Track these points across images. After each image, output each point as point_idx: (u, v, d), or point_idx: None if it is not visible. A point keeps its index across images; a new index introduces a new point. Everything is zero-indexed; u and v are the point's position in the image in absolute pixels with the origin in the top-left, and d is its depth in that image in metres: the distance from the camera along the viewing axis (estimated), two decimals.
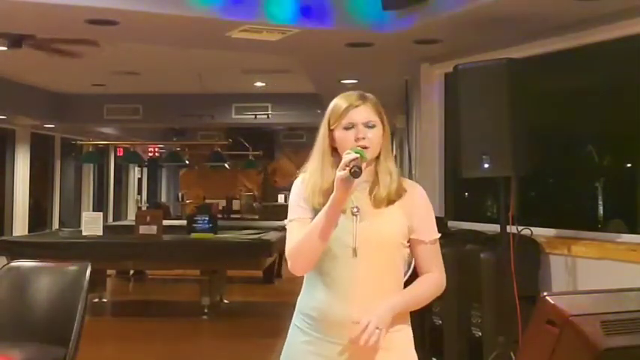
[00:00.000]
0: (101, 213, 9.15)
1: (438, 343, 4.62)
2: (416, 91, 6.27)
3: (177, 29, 5.03)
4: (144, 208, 16.08)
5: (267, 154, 16.51)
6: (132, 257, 7.90)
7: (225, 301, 8.65)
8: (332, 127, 2.21)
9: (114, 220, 14.27)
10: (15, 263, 4.48)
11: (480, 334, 4.37)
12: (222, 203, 16.38)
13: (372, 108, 2.21)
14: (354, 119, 2.18)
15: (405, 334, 2.24)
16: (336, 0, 4.82)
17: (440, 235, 2.28)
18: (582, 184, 4.95)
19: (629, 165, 4.68)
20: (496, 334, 4.04)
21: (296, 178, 2.29)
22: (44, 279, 4.23)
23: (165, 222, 8.57)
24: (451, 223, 5.24)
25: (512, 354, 3.84)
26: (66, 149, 13.41)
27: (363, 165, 2.06)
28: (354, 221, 2.17)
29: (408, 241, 2.23)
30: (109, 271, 9.19)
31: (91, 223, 8.21)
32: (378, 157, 2.22)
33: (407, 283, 2.24)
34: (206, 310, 7.95)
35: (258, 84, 10.24)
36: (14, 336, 3.96)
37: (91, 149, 13.27)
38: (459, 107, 4.11)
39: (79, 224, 9.42)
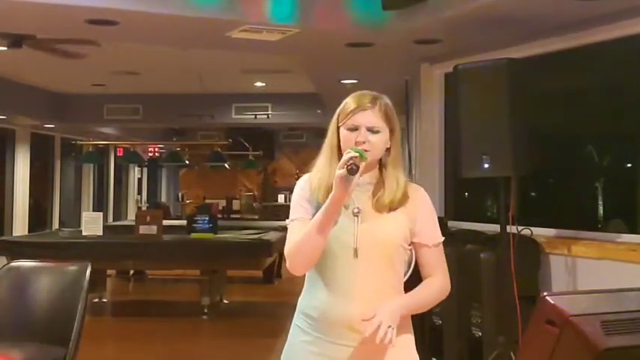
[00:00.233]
0: (101, 213, 9.15)
1: (438, 343, 4.62)
2: (416, 91, 6.26)
3: (177, 29, 5.03)
4: (144, 208, 16.07)
5: (267, 154, 16.50)
6: (132, 257, 7.91)
7: (225, 301, 8.65)
8: (340, 125, 2.22)
9: (114, 220, 14.27)
10: (15, 263, 4.49)
11: (480, 334, 4.37)
12: (222, 203, 16.36)
13: (380, 113, 2.19)
14: (359, 122, 2.17)
15: (407, 335, 2.24)
16: (336, 0, 4.82)
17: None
18: (582, 184, 4.95)
19: (629, 165, 4.68)
20: (496, 334, 4.04)
21: (296, 178, 2.28)
22: (44, 279, 4.23)
23: (165, 222, 8.57)
24: (451, 223, 5.23)
25: (512, 354, 3.83)
26: (66, 149, 13.41)
27: (362, 164, 2.06)
28: (355, 222, 2.17)
29: (410, 244, 2.23)
30: (109, 271, 9.19)
31: (91, 223, 8.22)
32: (386, 164, 2.22)
33: (407, 284, 2.25)
34: (206, 310, 7.94)
35: (258, 84, 10.23)
36: (14, 336, 3.96)
37: (91, 149, 13.25)
38: (458, 107, 4.11)
39: (79, 224, 9.43)
